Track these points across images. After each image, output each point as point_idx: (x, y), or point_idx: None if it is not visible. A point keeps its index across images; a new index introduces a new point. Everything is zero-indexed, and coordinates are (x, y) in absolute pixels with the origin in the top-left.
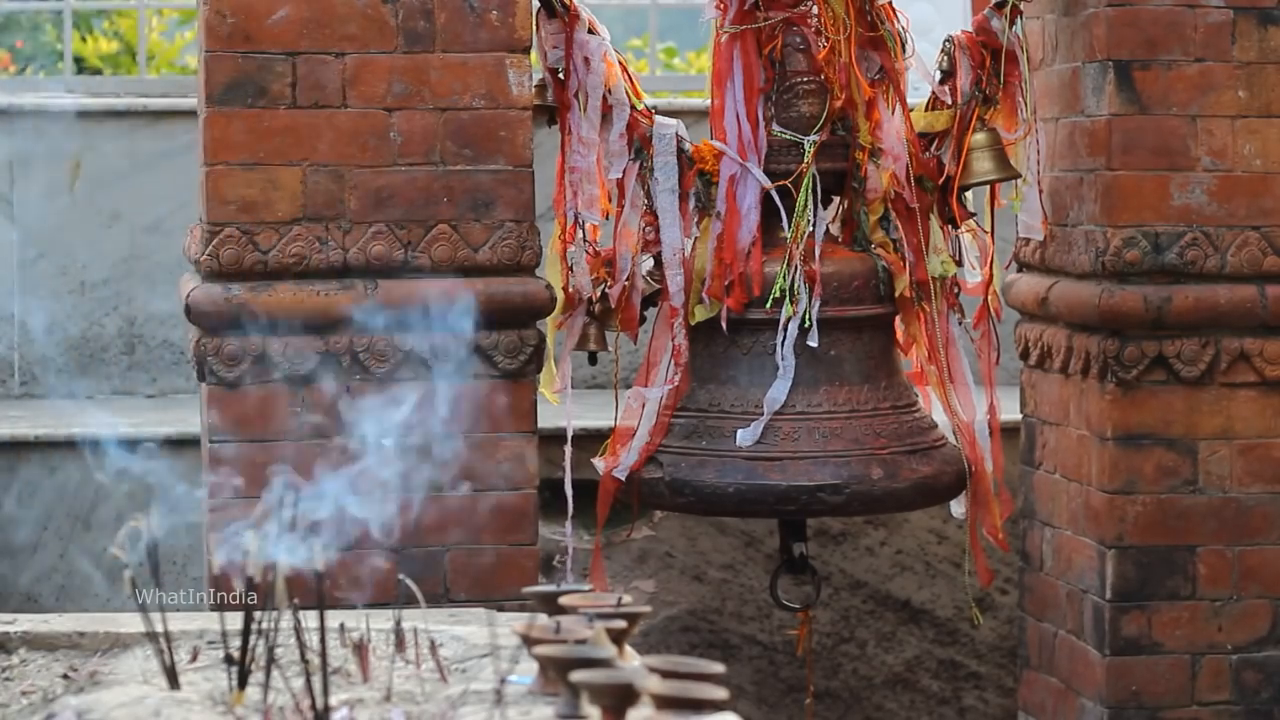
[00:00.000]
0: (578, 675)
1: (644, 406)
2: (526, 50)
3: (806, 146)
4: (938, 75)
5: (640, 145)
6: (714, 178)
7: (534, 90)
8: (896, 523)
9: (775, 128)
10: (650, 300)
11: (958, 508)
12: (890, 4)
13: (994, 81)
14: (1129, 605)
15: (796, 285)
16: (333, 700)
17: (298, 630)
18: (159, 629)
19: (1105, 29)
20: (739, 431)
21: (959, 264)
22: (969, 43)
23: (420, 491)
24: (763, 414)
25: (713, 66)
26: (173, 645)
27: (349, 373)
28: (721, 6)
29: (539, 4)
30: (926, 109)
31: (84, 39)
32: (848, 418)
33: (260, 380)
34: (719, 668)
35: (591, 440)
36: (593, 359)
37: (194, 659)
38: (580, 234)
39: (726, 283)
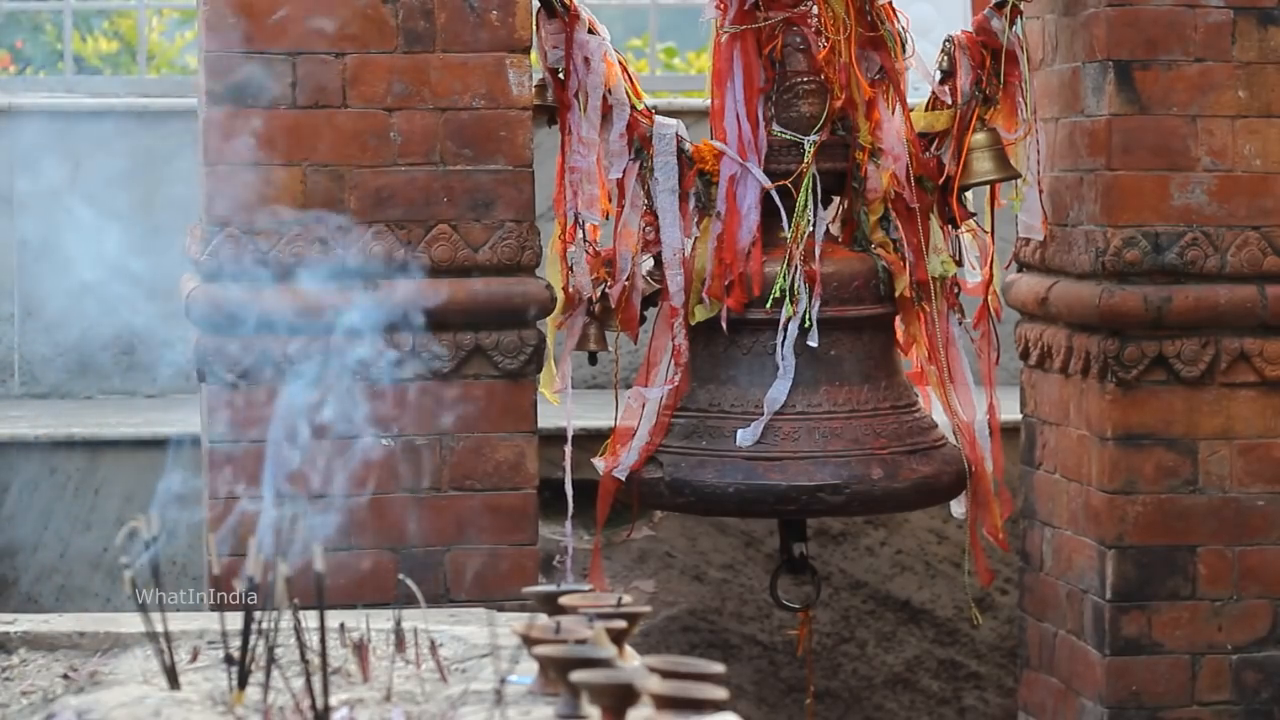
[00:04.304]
0: (578, 675)
1: (644, 406)
2: (526, 50)
3: (806, 146)
4: (938, 75)
5: (640, 145)
6: (714, 178)
7: (534, 90)
8: (896, 523)
9: (775, 128)
10: (650, 300)
11: (958, 508)
12: (890, 4)
13: (994, 81)
14: (1129, 605)
15: (796, 285)
16: (333, 700)
17: (298, 630)
18: (159, 629)
19: (1105, 29)
20: (739, 431)
21: (959, 264)
22: (969, 43)
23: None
24: (763, 414)
25: (713, 66)
26: (173, 645)
27: (349, 372)
28: (721, 6)
29: (539, 4)
30: (926, 109)
31: (84, 39)
32: (848, 418)
33: (260, 380)
34: (719, 668)
35: (591, 440)
36: (593, 359)
37: (194, 659)
38: (580, 234)
39: (726, 283)
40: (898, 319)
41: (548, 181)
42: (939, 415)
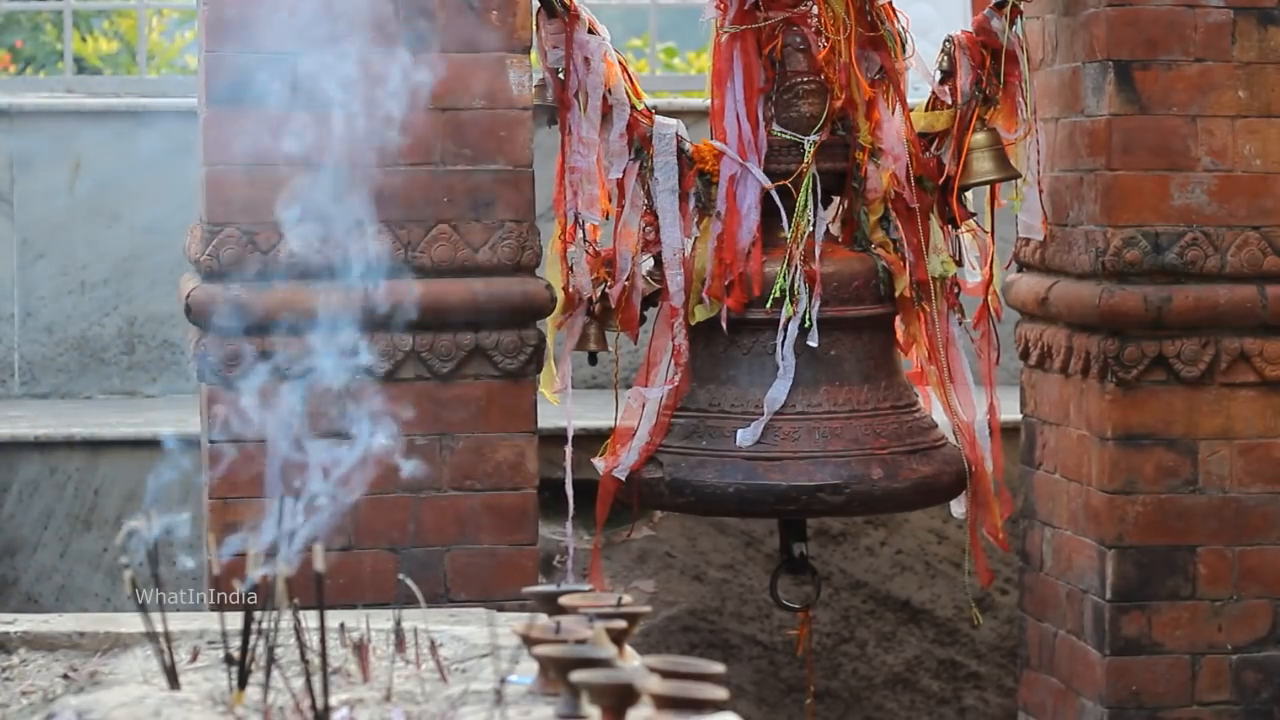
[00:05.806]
0: (578, 675)
1: (644, 406)
2: (526, 50)
3: (806, 146)
4: (938, 75)
5: (640, 145)
6: (714, 178)
7: (534, 90)
8: (896, 523)
9: (775, 128)
10: (650, 300)
11: (958, 508)
12: (890, 4)
13: (994, 81)
14: (1129, 605)
15: (796, 285)
16: (333, 700)
17: (298, 630)
18: (159, 629)
19: (1105, 29)
20: (739, 431)
21: (959, 264)
22: (969, 43)
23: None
24: (763, 414)
25: (713, 66)
26: (173, 645)
27: (349, 372)
28: (721, 6)
29: (539, 4)
30: (926, 109)
31: (84, 39)
32: (848, 418)
33: (260, 380)
34: (719, 668)
35: (591, 440)
36: (593, 359)
37: (194, 659)
38: (580, 234)
39: (726, 283)
40: (898, 319)
41: (548, 181)
42: (939, 415)
